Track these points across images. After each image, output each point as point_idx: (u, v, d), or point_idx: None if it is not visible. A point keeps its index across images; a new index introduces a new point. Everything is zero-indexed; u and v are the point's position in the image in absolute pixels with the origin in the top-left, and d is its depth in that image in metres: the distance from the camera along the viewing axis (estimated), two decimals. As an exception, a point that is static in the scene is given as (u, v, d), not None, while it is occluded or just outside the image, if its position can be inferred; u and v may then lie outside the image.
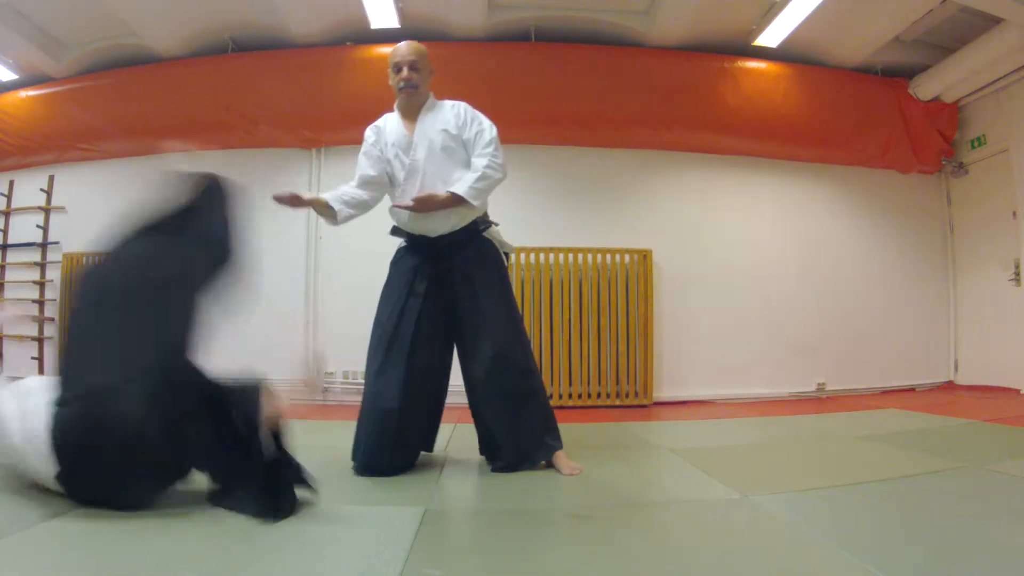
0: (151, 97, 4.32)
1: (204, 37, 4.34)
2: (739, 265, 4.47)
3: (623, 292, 4.15)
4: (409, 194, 2.07)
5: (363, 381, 2.15)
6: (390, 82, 2.20)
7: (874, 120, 4.49)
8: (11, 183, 4.84)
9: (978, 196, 4.65)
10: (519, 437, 2.07)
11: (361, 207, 2.18)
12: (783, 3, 3.84)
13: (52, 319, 4.64)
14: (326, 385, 4.24)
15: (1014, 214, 4.29)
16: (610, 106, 4.19)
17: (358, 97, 4.11)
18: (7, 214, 4.83)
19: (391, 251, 2.33)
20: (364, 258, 4.25)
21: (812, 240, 4.62)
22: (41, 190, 4.75)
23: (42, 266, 4.72)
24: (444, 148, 2.10)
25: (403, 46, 2.18)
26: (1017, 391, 4.14)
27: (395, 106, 2.24)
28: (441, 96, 2.28)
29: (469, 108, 2.20)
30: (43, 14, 4.13)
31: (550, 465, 2.09)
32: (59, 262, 4.56)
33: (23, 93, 4.59)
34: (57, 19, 4.18)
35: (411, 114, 2.19)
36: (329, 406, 4.12)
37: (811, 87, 4.43)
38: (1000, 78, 4.23)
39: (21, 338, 4.72)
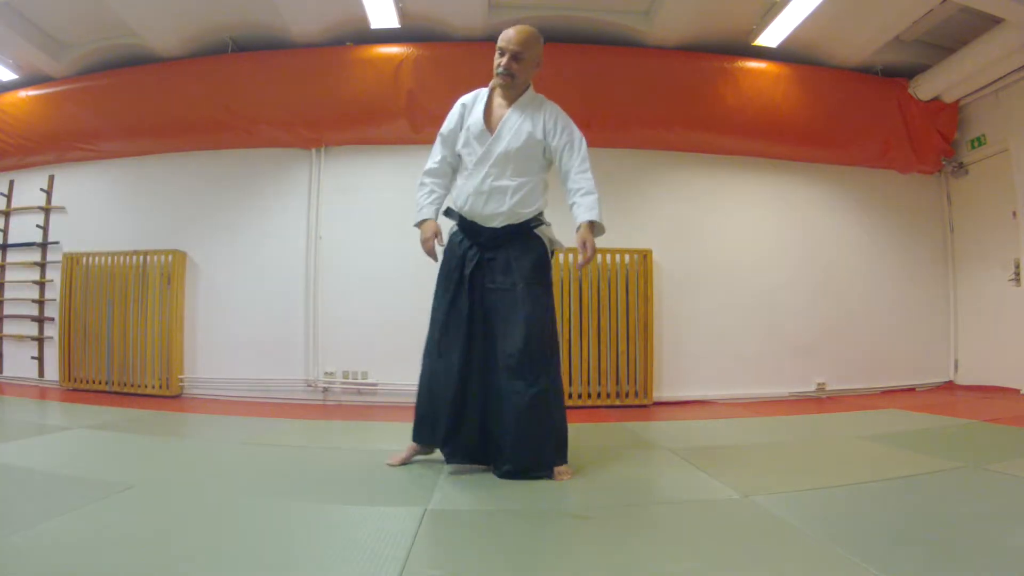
0: (151, 97, 4.32)
1: (204, 37, 4.34)
2: (739, 265, 4.47)
3: (623, 292, 4.15)
4: (474, 180, 2.09)
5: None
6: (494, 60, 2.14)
7: (874, 120, 4.49)
8: (11, 183, 4.85)
9: (978, 196, 4.65)
10: (538, 440, 1.98)
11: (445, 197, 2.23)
12: (783, 3, 3.84)
13: (52, 319, 4.64)
14: (326, 385, 4.24)
15: (1014, 214, 4.29)
16: (610, 106, 4.19)
17: (358, 97, 4.12)
18: (7, 214, 4.83)
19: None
20: (364, 258, 4.27)
21: (812, 240, 4.62)
22: (41, 190, 4.75)
23: (42, 266, 4.72)
24: (521, 149, 2.09)
25: (512, 30, 2.11)
26: (1017, 391, 4.14)
27: (490, 84, 2.21)
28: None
29: (562, 114, 2.18)
30: (43, 14, 4.13)
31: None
32: (59, 262, 4.56)
33: (23, 93, 4.60)
34: (57, 19, 4.19)
35: (506, 99, 2.17)
36: (329, 406, 4.12)
37: (811, 87, 4.42)
38: (1000, 78, 4.23)
39: (21, 338, 4.72)
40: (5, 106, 4.61)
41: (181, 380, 4.34)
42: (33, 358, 4.67)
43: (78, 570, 1.18)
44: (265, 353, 4.31)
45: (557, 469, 2.01)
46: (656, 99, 4.22)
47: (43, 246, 4.73)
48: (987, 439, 2.68)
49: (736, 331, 4.40)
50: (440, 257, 2.19)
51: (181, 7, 4.00)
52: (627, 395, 4.09)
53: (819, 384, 4.44)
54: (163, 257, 4.38)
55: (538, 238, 2.13)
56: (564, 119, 2.16)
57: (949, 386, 4.71)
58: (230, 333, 4.37)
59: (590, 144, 4.60)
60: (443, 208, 2.23)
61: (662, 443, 2.74)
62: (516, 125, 2.09)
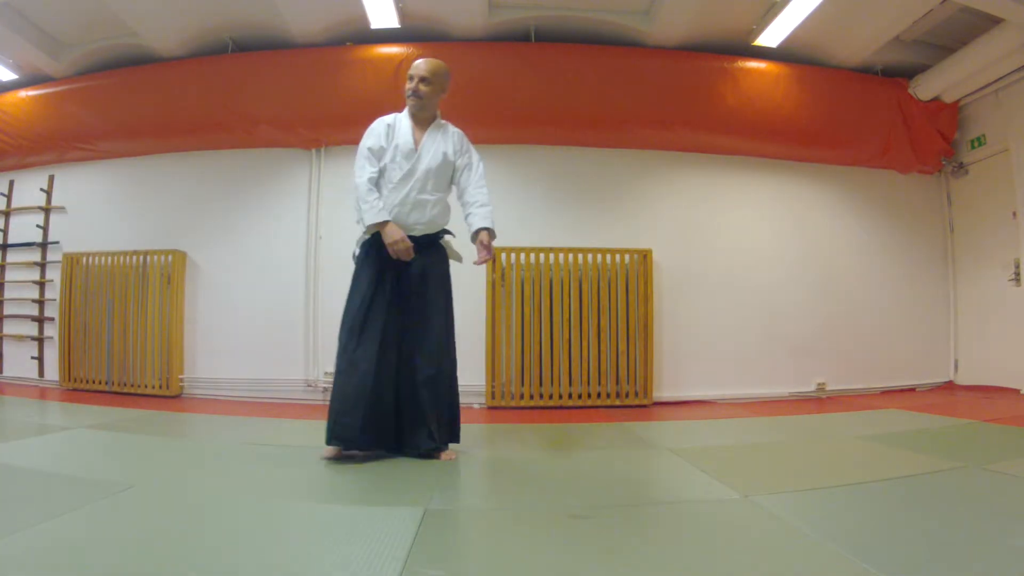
0: (151, 97, 4.32)
1: (204, 37, 4.34)
2: (739, 265, 4.47)
3: (623, 292, 4.15)
4: (399, 192, 2.31)
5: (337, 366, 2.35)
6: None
7: (874, 120, 4.49)
8: (11, 183, 4.85)
9: (978, 196, 4.65)
10: (453, 417, 2.37)
11: None
12: (783, 3, 3.84)
13: (52, 319, 4.64)
14: (326, 385, 4.24)
15: (1014, 214, 4.29)
16: (610, 106, 4.19)
17: (358, 97, 4.12)
18: (7, 214, 4.83)
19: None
20: (364, 258, 4.27)
21: (812, 240, 4.62)
22: (41, 190, 4.75)
23: (42, 266, 4.72)
24: (439, 167, 2.36)
25: (421, 61, 2.38)
26: (1017, 391, 4.14)
27: (407, 110, 2.42)
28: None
29: (464, 137, 2.48)
30: (43, 14, 4.13)
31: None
32: (59, 262, 4.56)
33: (23, 93, 4.60)
34: (57, 19, 4.18)
35: (420, 124, 2.41)
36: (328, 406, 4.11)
37: (811, 87, 4.42)
38: (1000, 78, 4.24)
39: (21, 338, 4.72)
40: (5, 106, 4.61)
41: (181, 380, 4.34)
42: (33, 358, 4.67)
43: (78, 570, 1.18)
44: (265, 353, 4.31)
45: (447, 451, 2.31)
46: (656, 99, 4.22)
47: (43, 246, 4.73)
48: (987, 439, 2.68)
49: (736, 331, 4.40)
50: (360, 263, 2.37)
51: (181, 7, 4.00)
52: (627, 395, 4.09)
53: (819, 384, 4.44)
54: (163, 257, 4.38)
55: (443, 248, 2.45)
56: (466, 141, 2.47)
57: (949, 386, 4.71)
58: (230, 333, 4.37)
59: (591, 144, 4.66)
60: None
61: (662, 443, 2.74)
62: (433, 146, 2.37)
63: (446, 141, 2.40)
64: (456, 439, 2.39)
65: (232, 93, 4.23)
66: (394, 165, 2.32)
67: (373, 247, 2.33)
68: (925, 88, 4.49)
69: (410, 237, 2.30)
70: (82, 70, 4.60)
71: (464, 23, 4.14)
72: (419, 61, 2.38)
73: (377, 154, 2.34)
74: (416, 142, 2.36)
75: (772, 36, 4.17)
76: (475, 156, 2.46)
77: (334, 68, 4.20)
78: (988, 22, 3.85)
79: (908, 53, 4.44)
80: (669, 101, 4.23)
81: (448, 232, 2.47)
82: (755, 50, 4.35)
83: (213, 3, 4.00)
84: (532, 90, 4.09)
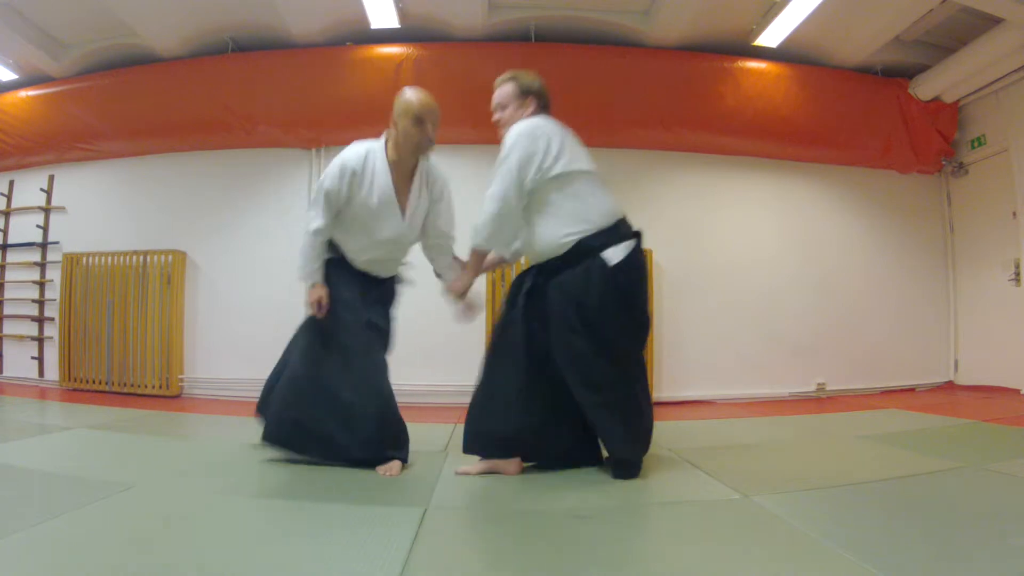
0: (151, 97, 4.32)
1: (204, 37, 4.34)
2: (739, 265, 4.47)
3: (623, 292, 4.14)
4: (373, 252, 2.23)
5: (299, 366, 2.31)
6: (403, 131, 2.10)
7: (874, 120, 4.49)
8: (11, 183, 4.85)
9: (978, 196, 4.65)
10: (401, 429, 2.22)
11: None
12: (783, 3, 3.84)
13: (52, 319, 4.64)
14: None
15: (1014, 214, 4.29)
16: (610, 106, 4.18)
17: (358, 97, 4.12)
18: (7, 214, 4.83)
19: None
20: (364, 258, 4.26)
21: (812, 240, 4.62)
22: (41, 190, 4.75)
23: (42, 266, 4.72)
24: (422, 214, 2.25)
25: (434, 105, 2.13)
26: (1017, 391, 4.14)
27: (388, 149, 2.15)
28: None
29: (441, 171, 2.31)
30: (43, 14, 4.13)
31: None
32: (59, 262, 4.56)
33: (23, 93, 4.60)
34: (57, 19, 4.19)
35: (403, 170, 2.17)
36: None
37: (811, 87, 4.42)
38: (1000, 78, 4.23)
39: (21, 338, 4.72)
40: (5, 106, 4.61)
41: (181, 380, 4.34)
42: (33, 358, 4.67)
43: (78, 570, 1.18)
44: (265, 353, 4.28)
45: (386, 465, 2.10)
46: (656, 99, 4.21)
47: (43, 246, 4.73)
48: (987, 439, 2.68)
49: (736, 331, 4.39)
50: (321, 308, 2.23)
51: (181, 7, 4.00)
52: (627, 395, 4.08)
53: (819, 384, 4.44)
54: (163, 257, 4.38)
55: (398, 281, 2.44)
56: (441, 174, 2.30)
57: (949, 386, 4.71)
58: (230, 333, 4.37)
59: (591, 144, 4.62)
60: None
61: (662, 443, 2.73)
62: (421, 197, 2.21)
63: (430, 187, 2.22)
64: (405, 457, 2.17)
65: (232, 93, 4.23)
66: (370, 222, 2.13)
67: (342, 271, 2.23)
68: (925, 88, 4.49)
69: (378, 278, 2.31)
70: (82, 70, 4.60)
71: (464, 23, 4.14)
72: (432, 104, 2.11)
73: (334, 203, 2.11)
74: (402, 206, 2.15)
75: (772, 36, 4.17)
76: (447, 190, 2.29)
77: (334, 68, 4.19)
78: (988, 22, 3.85)
79: (908, 53, 4.44)
80: (669, 101, 4.23)
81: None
82: (755, 50, 4.35)
83: (213, 3, 4.00)
84: (532, 90, 4.09)
